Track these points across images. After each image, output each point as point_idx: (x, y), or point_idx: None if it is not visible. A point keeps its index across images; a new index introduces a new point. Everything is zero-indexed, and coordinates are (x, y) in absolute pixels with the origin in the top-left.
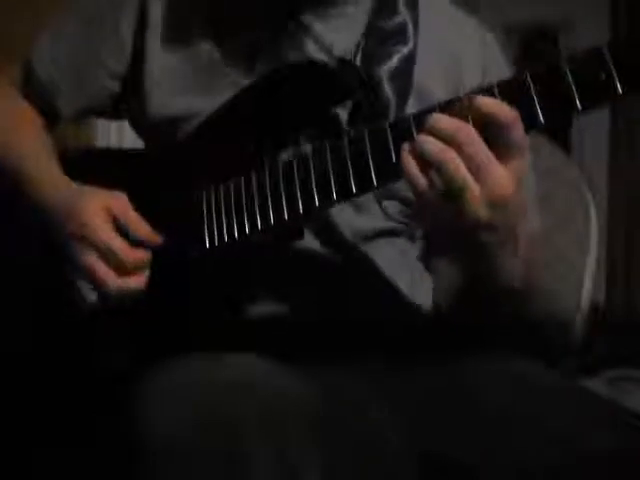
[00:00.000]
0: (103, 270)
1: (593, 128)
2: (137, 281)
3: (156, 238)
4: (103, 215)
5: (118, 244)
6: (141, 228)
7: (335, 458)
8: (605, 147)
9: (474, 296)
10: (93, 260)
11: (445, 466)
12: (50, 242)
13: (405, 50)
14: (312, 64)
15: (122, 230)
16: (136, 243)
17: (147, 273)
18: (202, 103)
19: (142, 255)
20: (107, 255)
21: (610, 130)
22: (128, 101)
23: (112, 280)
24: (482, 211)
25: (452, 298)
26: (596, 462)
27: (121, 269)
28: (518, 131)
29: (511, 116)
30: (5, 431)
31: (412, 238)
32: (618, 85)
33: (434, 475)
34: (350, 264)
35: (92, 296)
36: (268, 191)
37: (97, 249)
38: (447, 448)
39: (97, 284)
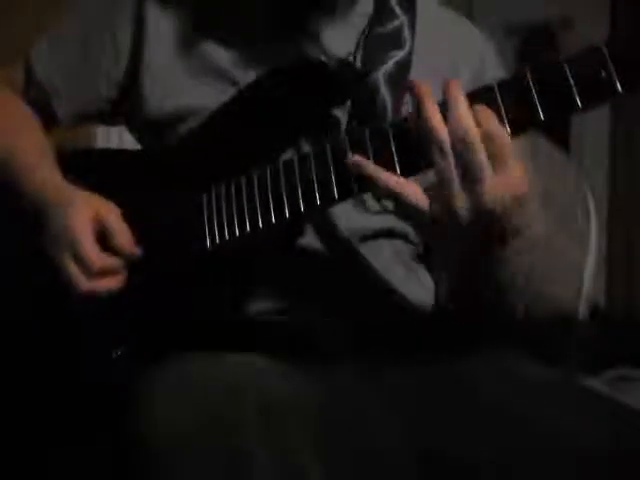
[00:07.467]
0: (74, 272)
1: (593, 128)
2: (106, 284)
3: (134, 250)
4: (87, 221)
5: (88, 248)
6: (121, 237)
7: (335, 457)
8: (605, 147)
9: (474, 296)
10: (68, 262)
11: (445, 465)
12: (40, 241)
13: (401, 54)
14: (312, 65)
15: (106, 236)
16: (115, 251)
17: (121, 277)
18: (202, 103)
19: (111, 261)
20: (77, 257)
21: (610, 130)
22: (125, 106)
23: (82, 282)
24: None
25: (451, 298)
26: (596, 461)
27: (90, 272)
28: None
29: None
30: (6, 431)
31: (408, 239)
32: (618, 84)
33: (434, 474)
34: (347, 263)
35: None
36: (269, 190)
37: (72, 251)
38: (447, 447)
39: (69, 284)
